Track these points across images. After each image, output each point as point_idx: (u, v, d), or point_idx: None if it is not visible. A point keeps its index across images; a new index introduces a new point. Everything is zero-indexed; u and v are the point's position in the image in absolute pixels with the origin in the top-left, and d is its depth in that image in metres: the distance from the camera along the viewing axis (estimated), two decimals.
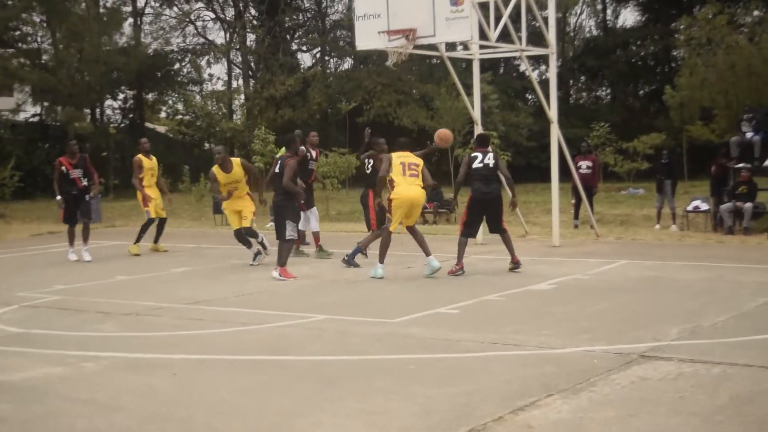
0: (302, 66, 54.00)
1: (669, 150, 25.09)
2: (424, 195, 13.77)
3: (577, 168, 20.77)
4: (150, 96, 53.20)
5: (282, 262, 13.47)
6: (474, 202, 13.83)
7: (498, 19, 16.37)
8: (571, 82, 53.53)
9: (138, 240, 17.87)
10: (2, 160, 35.74)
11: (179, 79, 52.72)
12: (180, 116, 49.88)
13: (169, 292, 12.54)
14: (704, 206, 21.47)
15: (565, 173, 18.95)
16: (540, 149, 28.14)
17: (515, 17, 17.21)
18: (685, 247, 16.80)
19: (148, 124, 53.84)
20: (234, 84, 52.98)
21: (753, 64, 33.10)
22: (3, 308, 11.47)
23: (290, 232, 13.57)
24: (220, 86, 52.45)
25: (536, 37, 19.26)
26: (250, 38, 52.85)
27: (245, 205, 15.65)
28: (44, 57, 45.38)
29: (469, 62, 19.59)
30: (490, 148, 14.33)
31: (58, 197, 16.71)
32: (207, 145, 49.10)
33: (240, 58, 53.04)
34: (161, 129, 54.51)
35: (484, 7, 16.47)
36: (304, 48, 56.42)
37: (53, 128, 46.59)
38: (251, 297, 12.05)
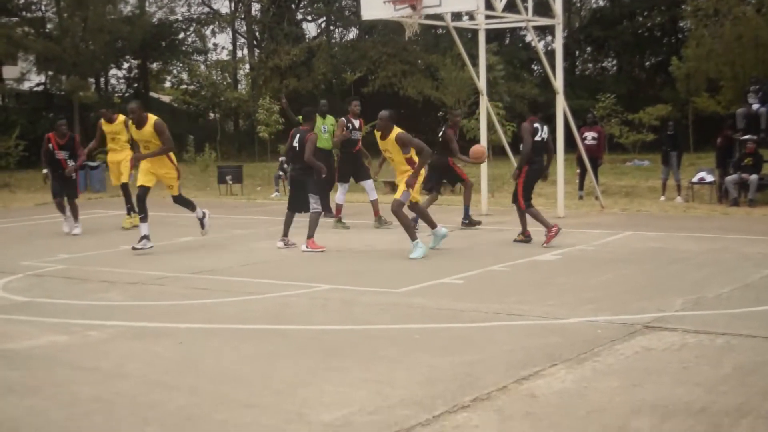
0: (307, 36, 53.85)
1: (675, 121, 24.97)
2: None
3: (583, 139, 20.73)
4: (154, 65, 53.12)
5: (310, 234, 13.38)
6: (533, 173, 13.57)
7: None
8: (577, 53, 53.30)
9: (129, 212, 17.15)
10: (7, 129, 35.77)
11: (184, 48, 52.62)
12: (184, 86, 49.80)
13: (174, 262, 12.57)
14: (709, 178, 21.43)
15: (570, 144, 18.93)
16: (545, 120, 28.11)
17: None
18: (689, 219, 16.79)
19: (152, 94, 53.78)
20: (239, 54, 52.94)
21: (760, 36, 32.94)
22: (8, 277, 11.50)
23: (314, 205, 13.49)
24: (224, 56, 52.47)
25: (542, 8, 19.16)
26: (255, 7, 52.69)
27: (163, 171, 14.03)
28: (48, 26, 45.26)
29: (475, 32, 19.52)
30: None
31: (44, 170, 16.75)
32: (212, 115, 49.05)
33: (245, 28, 52.90)
34: (166, 98, 54.43)
35: None
36: (309, 17, 56.20)
37: (58, 97, 46.55)
38: (256, 266, 12.07)
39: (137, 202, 13.82)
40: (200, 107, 49.33)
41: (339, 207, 16.41)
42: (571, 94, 33.57)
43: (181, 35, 53.26)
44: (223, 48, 57.43)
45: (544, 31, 41.19)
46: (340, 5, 52.89)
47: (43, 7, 46.18)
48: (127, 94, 51.02)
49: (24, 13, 45.87)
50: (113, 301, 9.87)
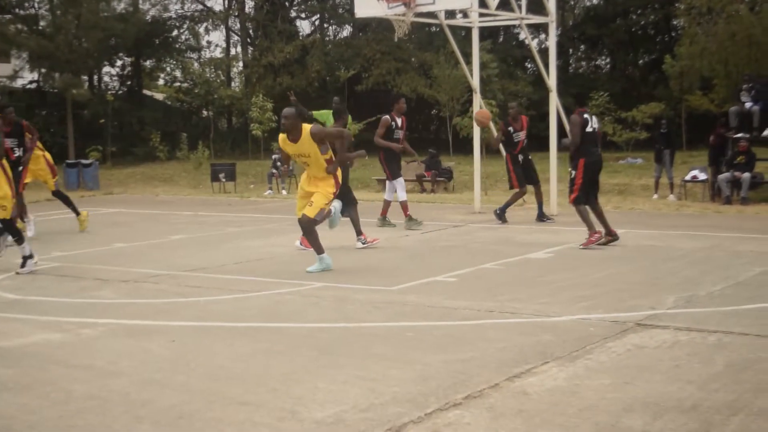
0: (301, 33, 53.73)
1: (668, 119, 25.05)
2: None
3: None
4: (148, 63, 52.97)
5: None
6: (590, 165, 13.03)
7: None
8: (571, 51, 53.25)
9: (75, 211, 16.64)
10: None
11: (177, 46, 52.46)
12: (178, 83, 49.70)
13: (167, 260, 12.57)
14: (702, 176, 21.48)
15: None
16: (539, 118, 28.06)
17: None
18: (682, 217, 16.83)
19: (146, 91, 53.67)
20: (232, 51, 52.79)
21: (753, 34, 32.95)
22: (1, 275, 11.50)
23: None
24: (218, 53, 52.30)
25: (536, 6, 19.16)
26: (249, 5, 52.59)
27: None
28: (42, 23, 45.09)
29: (469, 30, 19.53)
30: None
31: None
32: (205, 113, 48.97)
33: (238, 25, 52.79)
34: (159, 96, 54.31)
35: None
36: (303, 15, 56.04)
37: (51, 95, 46.42)
38: (249, 264, 12.07)
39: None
40: (194, 105, 49.24)
41: (404, 204, 15.48)
42: (564, 92, 33.58)
43: (175, 33, 53.12)
44: (216, 45, 57.58)
45: (538, 29, 41.22)
46: (333, 3, 52.80)
47: (36, 4, 46.00)
48: (120, 92, 50.94)
49: (17, 10, 45.72)
50: (106, 299, 9.87)
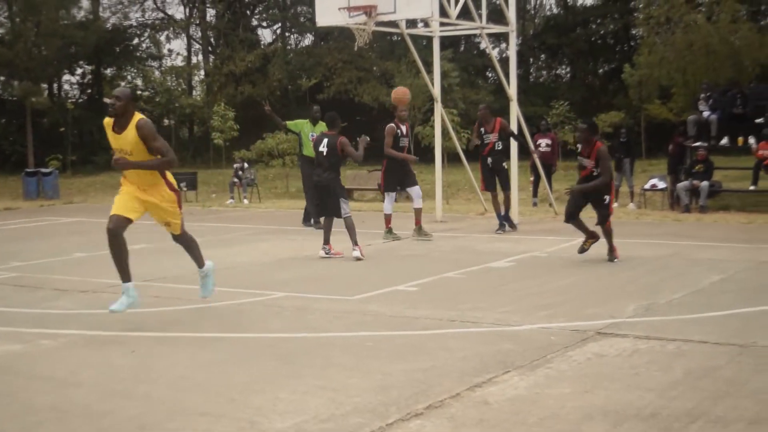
0: (262, 42, 53.70)
1: (627, 128, 25.27)
2: None
3: (537, 146, 20.85)
4: (108, 71, 52.67)
5: (355, 240, 13.10)
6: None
7: None
8: (531, 60, 53.62)
9: None
10: None
11: (138, 54, 52.23)
12: (139, 92, 49.49)
13: None
14: (661, 184, 21.66)
15: (524, 151, 19.03)
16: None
17: None
18: (642, 225, 16.95)
19: (106, 100, 53.30)
20: (193, 60, 52.62)
21: (711, 43, 33.35)
22: None
23: (345, 209, 13.20)
24: (179, 62, 52.08)
25: (497, 15, 19.30)
26: (210, 13, 52.50)
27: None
28: (0, 30, 44.78)
29: (430, 39, 19.62)
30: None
31: None
32: (166, 122, 48.76)
33: (200, 34, 52.67)
34: None
35: None
36: (265, 24, 56.02)
37: (10, 103, 46.05)
38: None
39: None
40: (155, 113, 49.01)
41: (388, 217, 15.29)
42: (525, 101, 33.78)
43: (136, 41, 52.90)
44: (177, 54, 57.05)
45: (499, 38, 41.44)
46: (295, 12, 52.79)
47: None
48: (80, 100, 50.62)
49: None
50: (66, 309, 9.80)
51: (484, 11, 17.83)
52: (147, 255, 14.06)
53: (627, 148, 22.14)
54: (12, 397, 6.39)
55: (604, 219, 12.32)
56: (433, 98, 19.20)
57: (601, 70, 53.07)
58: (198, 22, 51.59)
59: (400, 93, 15.38)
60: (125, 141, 8.70)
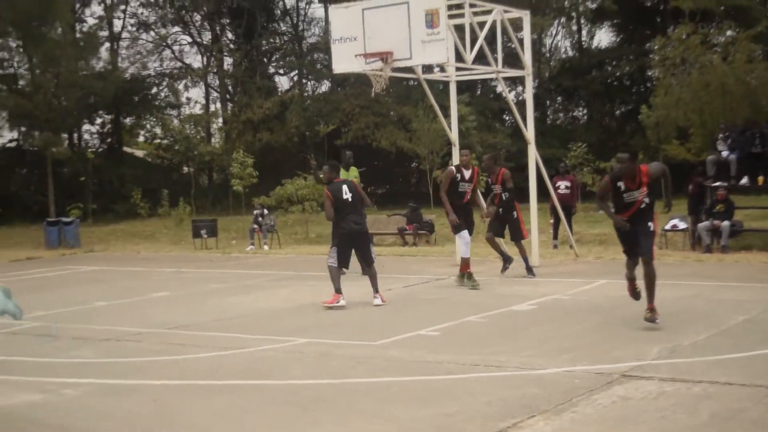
0: (280, 89, 53.97)
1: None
2: None
3: (556, 188, 20.81)
4: (128, 120, 53.05)
5: (376, 288, 13.00)
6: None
7: (474, 41, 16.40)
8: (548, 102, 53.68)
9: None
10: None
11: (157, 103, 52.59)
12: (158, 140, 49.76)
13: (148, 317, 12.49)
14: (682, 225, 21.55)
15: (543, 193, 18.99)
16: (518, 169, 28.18)
17: (491, 39, 17.25)
18: (663, 266, 16.81)
19: (126, 149, 53.68)
20: (212, 107, 52.92)
21: (726, 83, 33.31)
22: None
23: (373, 256, 13.31)
24: (197, 110, 52.38)
25: (512, 59, 19.35)
26: (228, 62, 52.83)
27: None
28: (21, 82, 45.17)
29: (446, 84, 19.65)
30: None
31: None
32: (185, 169, 48.99)
33: (217, 82, 53.00)
34: (139, 153, 54.30)
35: (459, 30, 16.50)
36: (282, 71, 56.36)
37: (30, 153, 46.38)
38: (231, 321, 12.01)
39: None
40: (174, 161, 49.28)
41: (466, 261, 14.61)
42: (542, 144, 33.76)
43: (154, 90, 53.28)
44: (196, 102, 57.37)
45: (515, 81, 41.49)
46: (312, 59, 53.10)
47: (15, 64, 46.14)
48: (100, 149, 50.96)
49: None
50: (88, 358, 9.79)
51: (499, 55, 17.89)
52: (169, 303, 14.08)
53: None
54: None
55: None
56: (450, 142, 19.21)
57: (617, 112, 53.08)
58: (215, 70, 51.94)
59: None
60: None
